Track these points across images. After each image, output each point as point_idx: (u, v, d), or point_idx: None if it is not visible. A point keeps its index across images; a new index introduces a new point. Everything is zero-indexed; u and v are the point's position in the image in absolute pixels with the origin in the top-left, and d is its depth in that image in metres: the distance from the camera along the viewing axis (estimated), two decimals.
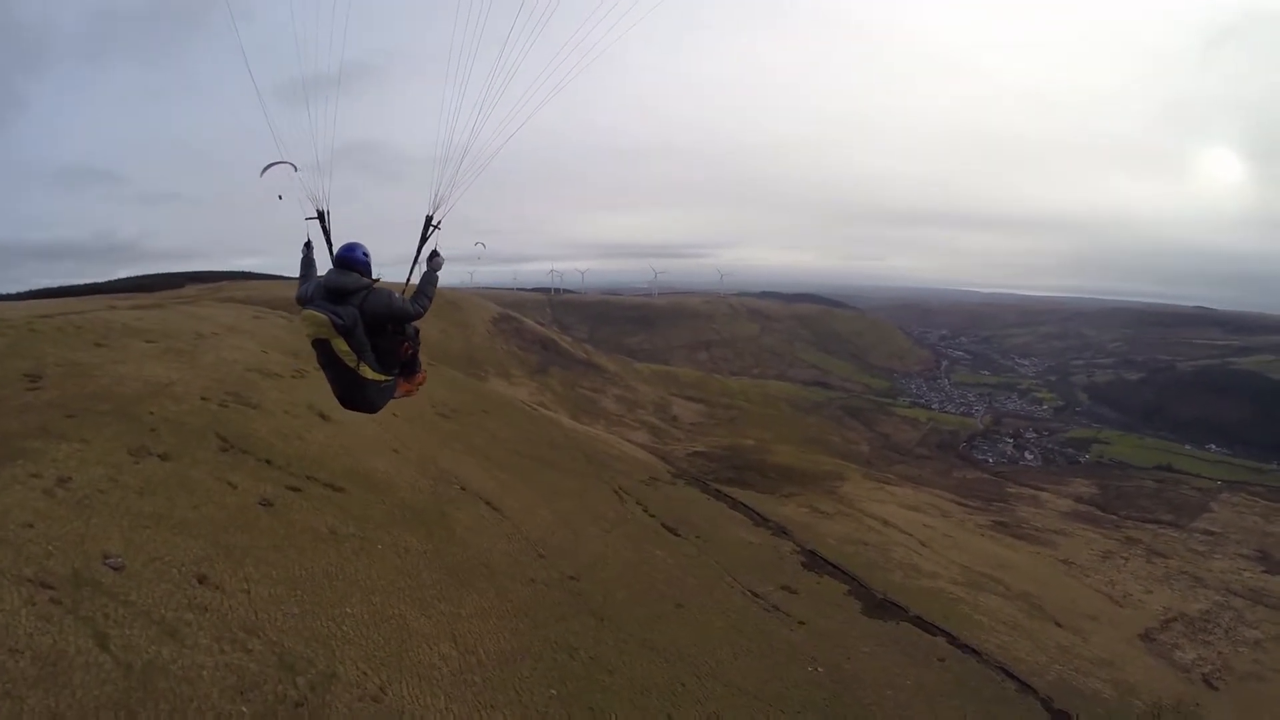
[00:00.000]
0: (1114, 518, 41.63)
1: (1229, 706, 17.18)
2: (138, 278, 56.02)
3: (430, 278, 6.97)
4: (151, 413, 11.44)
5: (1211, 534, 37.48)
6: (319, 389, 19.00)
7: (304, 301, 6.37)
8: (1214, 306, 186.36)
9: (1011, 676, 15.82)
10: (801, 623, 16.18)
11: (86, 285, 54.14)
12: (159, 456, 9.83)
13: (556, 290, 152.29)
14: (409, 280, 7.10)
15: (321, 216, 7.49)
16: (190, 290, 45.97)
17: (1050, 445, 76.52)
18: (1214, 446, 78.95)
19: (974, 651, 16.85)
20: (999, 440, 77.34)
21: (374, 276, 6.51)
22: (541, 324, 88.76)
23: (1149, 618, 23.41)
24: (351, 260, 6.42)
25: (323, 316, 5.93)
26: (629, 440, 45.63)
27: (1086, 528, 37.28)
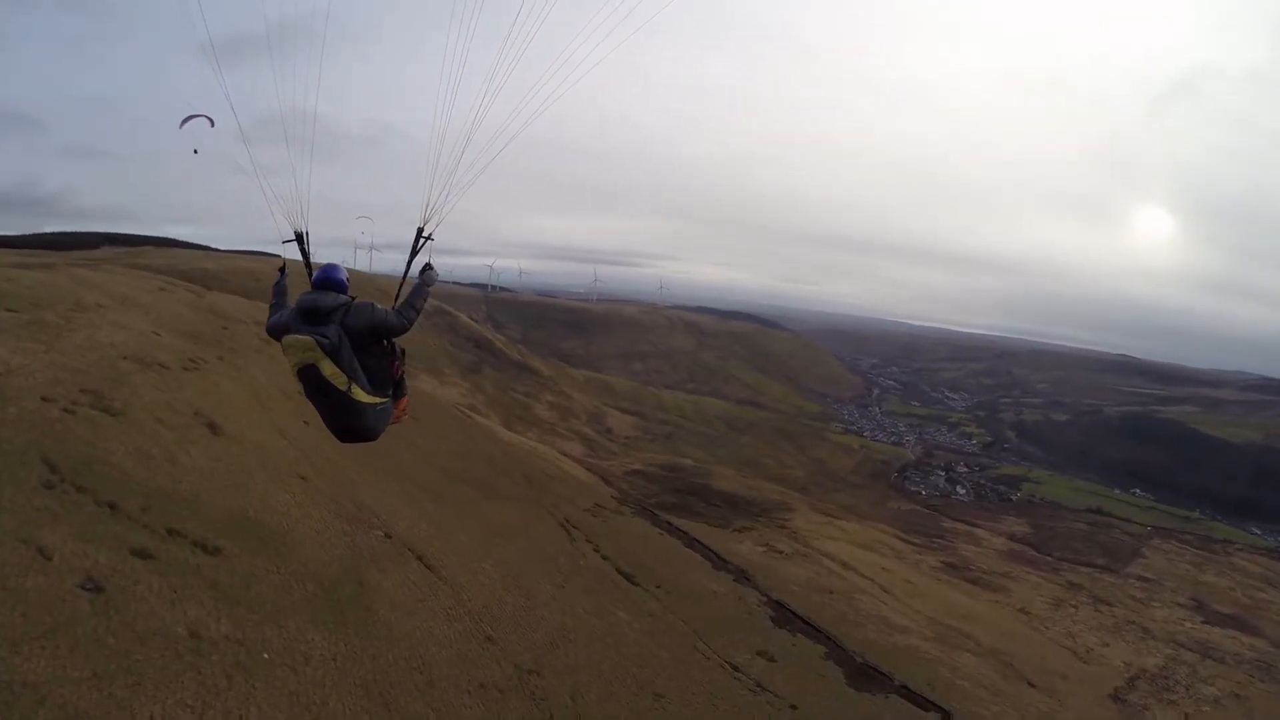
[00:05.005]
0: (1050, 559, 42.56)
1: None
2: (53, 234, 49.74)
3: (421, 291, 6.33)
4: None
5: (1147, 580, 38.73)
6: (215, 388, 15.36)
7: (279, 330, 5.86)
8: (1137, 355, 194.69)
9: None
10: (794, 706, 13.73)
11: None
12: None
13: (493, 287, 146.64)
14: (398, 295, 6.52)
15: (300, 238, 6.97)
16: (105, 252, 40.19)
17: (982, 480, 76.99)
18: (1139, 491, 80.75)
19: None
20: (931, 472, 77.41)
21: (351, 295, 6.01)
22: (475, 320, 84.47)
23: (1114, 675, 23.47)
24: (331, 281, 5.96)
25: (306, 338, 5.51)
26: (565, 454, 42.69)
27: (1028, 570, 37.94)
